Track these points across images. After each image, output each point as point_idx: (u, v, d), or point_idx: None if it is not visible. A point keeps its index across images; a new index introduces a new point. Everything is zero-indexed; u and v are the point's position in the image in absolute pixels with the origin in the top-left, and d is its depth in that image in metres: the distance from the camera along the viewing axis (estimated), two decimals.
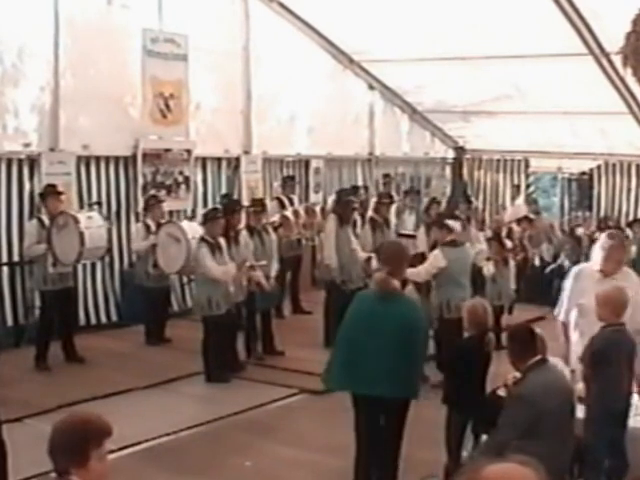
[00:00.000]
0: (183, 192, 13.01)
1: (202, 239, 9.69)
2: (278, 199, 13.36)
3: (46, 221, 10.00)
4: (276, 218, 12.19)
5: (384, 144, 17.00)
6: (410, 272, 9.51)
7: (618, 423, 6.20)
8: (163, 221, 11.25)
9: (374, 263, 10.40)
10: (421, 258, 10.13)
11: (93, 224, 10.00)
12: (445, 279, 9.71)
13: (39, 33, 11.07)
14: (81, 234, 9.72)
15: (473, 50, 13.49)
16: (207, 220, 9.87)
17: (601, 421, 6.15)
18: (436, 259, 9.79)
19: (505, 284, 11.58)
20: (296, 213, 12.88)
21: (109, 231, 10.50)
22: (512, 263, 11.97)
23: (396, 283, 6.36)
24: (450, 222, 10.86)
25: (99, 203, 11.40)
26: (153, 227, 11.09)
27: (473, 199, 18.22)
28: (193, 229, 10.64)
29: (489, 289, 11.33)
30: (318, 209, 13.38)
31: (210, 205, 13.09)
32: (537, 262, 12.80)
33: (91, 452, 3.35)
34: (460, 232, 10.97)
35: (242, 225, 10.49)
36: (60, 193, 10.27)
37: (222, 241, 9.77)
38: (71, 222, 9.82)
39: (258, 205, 11.05)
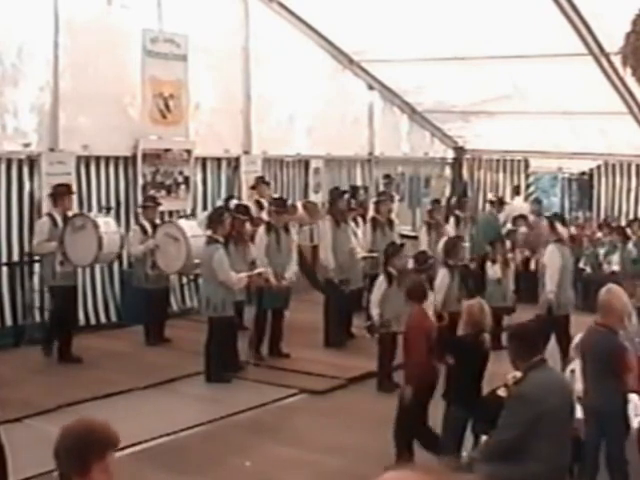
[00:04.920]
0: (183, 192, 12.99)
1: (215, 240, 9.60)
2: (257, 202, 12.83)
3: (58, 220, 10.07)
4: None
5: (384, 144, 16.98)
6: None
7: (602, 424, 6.14)
8: (158, 222, 11.24)
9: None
10: (425, 257, 10.07)
11: (110, 229, 10.18)
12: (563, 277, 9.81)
13: (39, 33, 11.08)
14: (100, 238, 9.89)
15: (473, 50, 13.50)
16: (219, 221, 9.77)
17: (587, 420, 6.17)
18: (554, 256, 9.87)
19: (508, 285, 11.59)
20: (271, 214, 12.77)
21: (121, 237, 10.55)
22: (513, 264, 12.01)
23: None
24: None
25: (109, 208, 11.27)
26: (149, 229, 11.06)
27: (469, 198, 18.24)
28: (192, 228, 10.65)
29: (494, 291, 11.29)
30: (300, 205, 13.23)
31: (210, 205, 13.07)
32: (533, 265, 12.82)
33: (93, 464, 3.17)
34: None
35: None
36: (73, 192, 10.45)
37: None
38: (90, 225, 9.96)
39: (281, 205, 10.98)
